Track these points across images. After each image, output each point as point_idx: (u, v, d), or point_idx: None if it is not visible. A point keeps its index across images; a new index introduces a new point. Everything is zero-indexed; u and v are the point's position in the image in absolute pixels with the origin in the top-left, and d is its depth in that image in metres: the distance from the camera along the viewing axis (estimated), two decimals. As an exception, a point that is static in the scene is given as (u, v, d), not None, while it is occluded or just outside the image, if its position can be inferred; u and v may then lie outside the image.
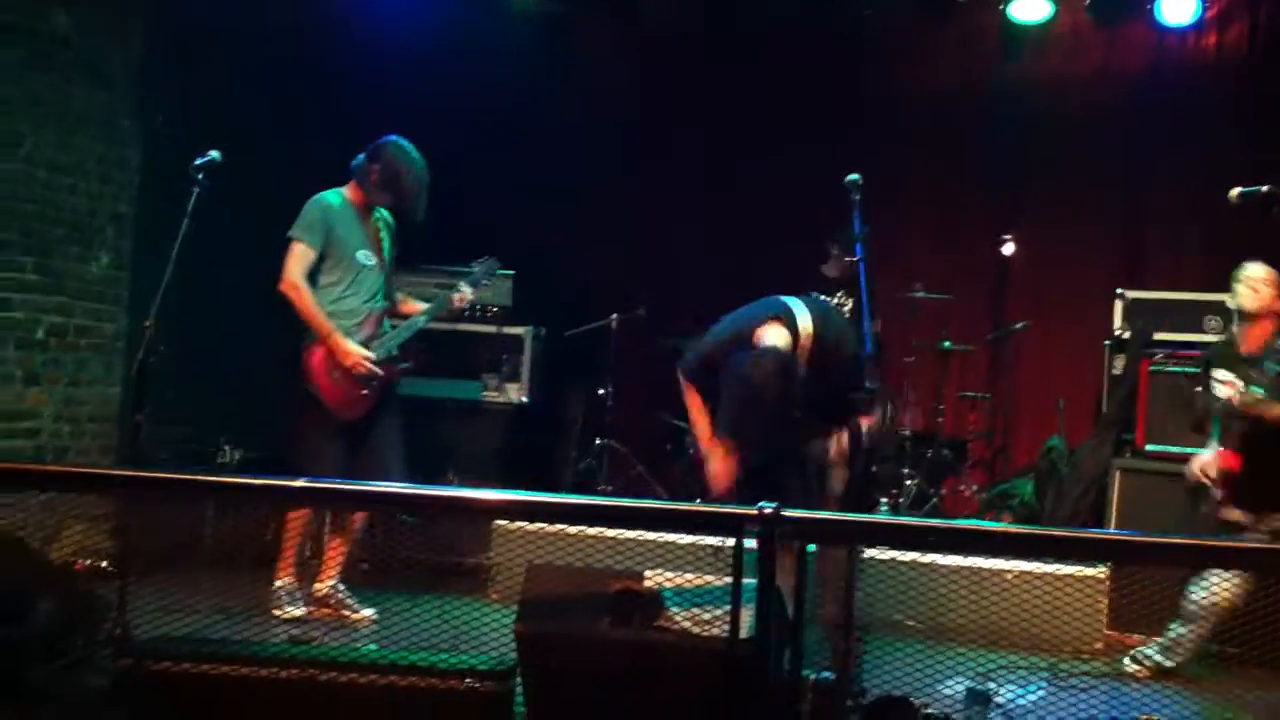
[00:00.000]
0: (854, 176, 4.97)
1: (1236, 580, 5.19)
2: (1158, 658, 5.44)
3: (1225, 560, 4.62)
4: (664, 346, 7.23)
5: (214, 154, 5.28)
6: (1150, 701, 4.99)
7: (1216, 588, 5.24)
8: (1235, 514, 5.35)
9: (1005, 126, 8.44)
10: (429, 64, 8.11)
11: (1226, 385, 5.41)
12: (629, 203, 8.52)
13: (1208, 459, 5.50)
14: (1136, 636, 5.73)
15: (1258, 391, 5.27)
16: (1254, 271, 5.55)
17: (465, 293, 5.92)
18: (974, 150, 8.53)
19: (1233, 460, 5.40)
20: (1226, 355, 5.63)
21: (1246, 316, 5.56)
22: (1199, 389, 5.79)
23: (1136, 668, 5.47)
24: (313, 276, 5.65)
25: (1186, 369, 6.41)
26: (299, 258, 5.59)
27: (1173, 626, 5.45)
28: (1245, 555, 4.35)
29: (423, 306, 5.94)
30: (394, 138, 5.75)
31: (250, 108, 7.22)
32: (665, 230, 8.42)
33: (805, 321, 5.26)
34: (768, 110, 8.41)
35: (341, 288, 5.69)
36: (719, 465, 5.13)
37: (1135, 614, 5.87)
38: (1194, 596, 5.37)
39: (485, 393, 7.46)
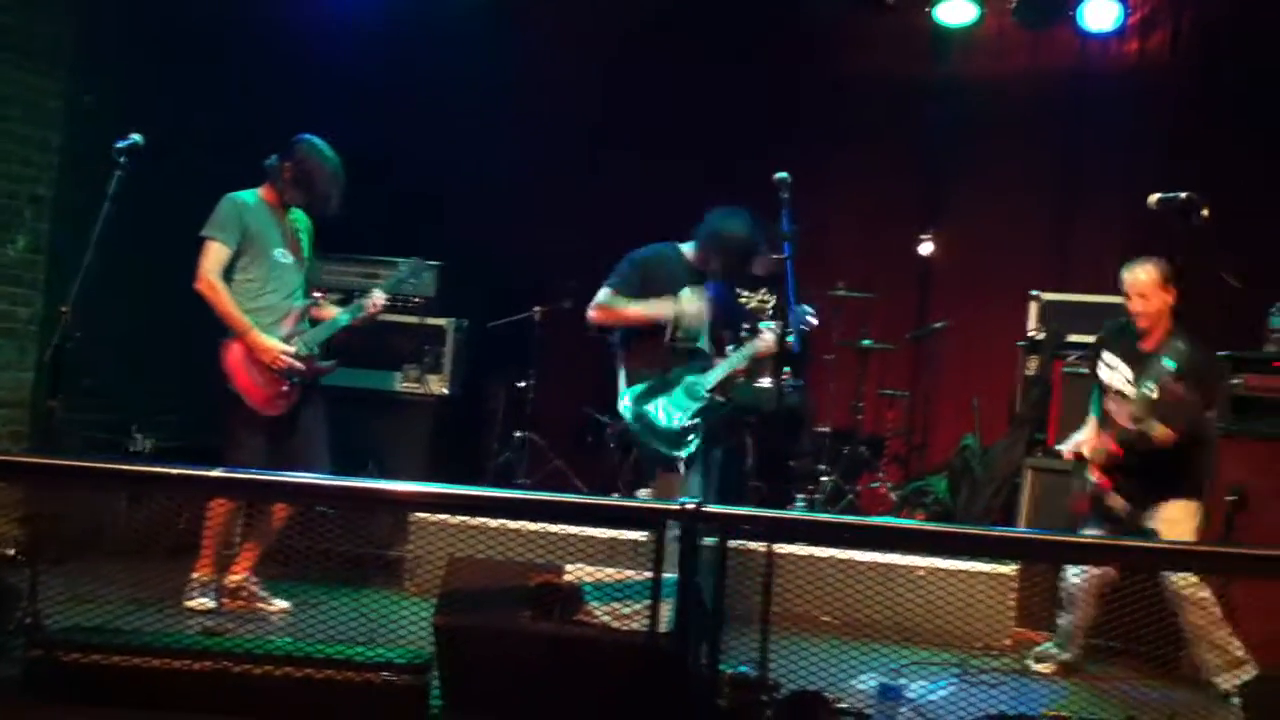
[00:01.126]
0: (783, 174, 5.02)
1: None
2: (1056, 653, 5.55)
3: (1129, 560, 4.75)
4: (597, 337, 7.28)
5: (136, 137, 5.24)
6: (1056, 697, 5.10)
7: (1086, 572, 5.33)
8: (1118, 501, 5.34)
9: (932, 126, 8.56)
10: (368, 50, 8.01)
11: (1116, 373, 5.43)
12: (555, 195, 8.50)
13: (1086, 438, 5.48)
14: (1044, 633, 5.82)
15: (1148, 390, 5.19)
16: (1140, 277, 5.36)
17: (379, 299, 5.89)
18: (900, 149, 8.64)
19: (1114, 445, 5.34)
20: (1122, 341, 5.51)
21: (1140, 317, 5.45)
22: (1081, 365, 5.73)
23: (1041, 665, 5.58)
24: (230, 274, 5.63)
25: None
26: (214, 256, 5.58)
27: (1060, 618, 5.56)
28: (1148, 555, 4.48)
29: (337, 311, 5.91)
30: (307, 136, 5.74)
31: (185, 93, 7.13)
32: (590, 223, 8.41)
33: None
34: (698, 104, 8.43)
35: (259, 285, 5.67)
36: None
37: (1043, 611, 5.95)
38: (1068, 583, 5.48)
39: (406, 384, 7.43)
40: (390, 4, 8.16)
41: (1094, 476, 5.40)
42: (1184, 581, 5.11)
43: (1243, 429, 5.96)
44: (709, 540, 3.85)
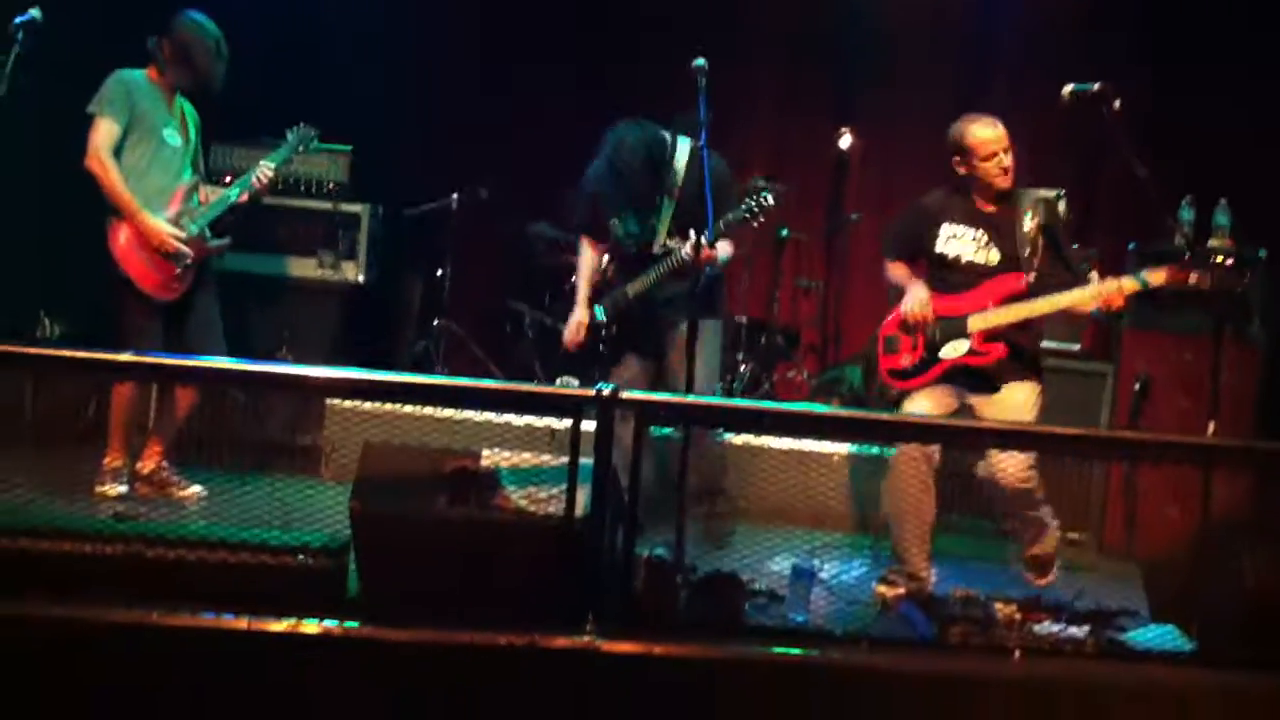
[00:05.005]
0: (700, 61, 4.94)
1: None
2: None
3: (1038, 445, 4.85)
4: (532, 233, 7.25)
5: (34, 12, 5.04)
6: (964, 576, 5.22)
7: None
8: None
9: (848, 20, 8.47)
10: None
11: (960, 241, 5.18)
12: (470, 73, 8.33)
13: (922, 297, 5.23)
14: (953, 517, 5.94)
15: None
16: (1003, 130, 5.22)
17: (267, 170, 5.78)
18: (816, 41, 8.56)
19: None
20: (954, 208, 5.24)
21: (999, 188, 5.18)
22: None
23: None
24: (118, 154, 5.50)
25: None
26: (104, 132, 5.46)
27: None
28: (1056, 440, 4.57)
29: (224, 191, 5.79)
30: (188, 11, 5.63)
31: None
32: (509, 102, 8.27)
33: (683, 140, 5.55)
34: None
35: (146, 165, 5.57)
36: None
37: (951, 494, 6.07)
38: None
39: (321, 270, 7.32)
40: None
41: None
42: (1022, 468, 4.99)
43: (1148, 322, 6.11)
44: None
